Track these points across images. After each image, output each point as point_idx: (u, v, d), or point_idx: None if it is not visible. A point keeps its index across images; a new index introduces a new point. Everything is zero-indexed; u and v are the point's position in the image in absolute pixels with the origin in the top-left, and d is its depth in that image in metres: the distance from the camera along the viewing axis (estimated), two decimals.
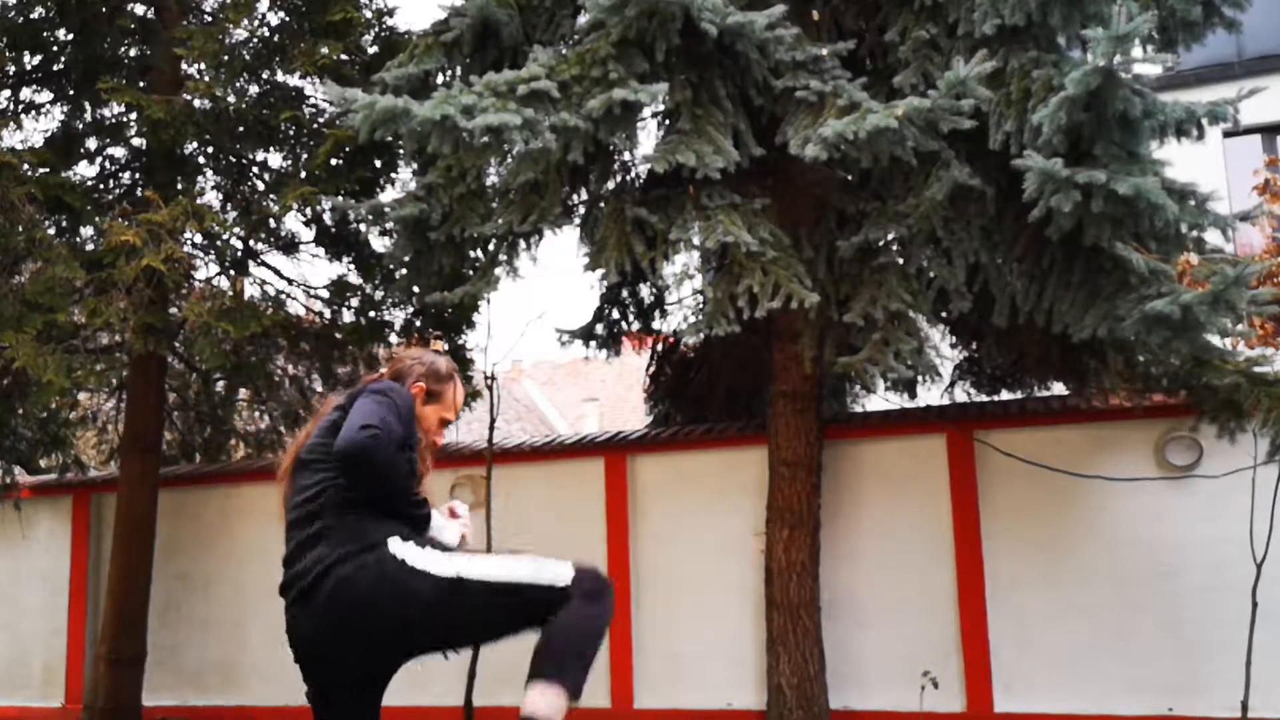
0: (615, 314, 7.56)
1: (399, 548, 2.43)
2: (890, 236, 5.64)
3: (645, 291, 7.54)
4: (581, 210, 6.57)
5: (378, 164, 7.54)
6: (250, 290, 8.29)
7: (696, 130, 5.37)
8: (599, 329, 7.52)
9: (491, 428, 7.16)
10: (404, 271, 6.59)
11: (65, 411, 8.93)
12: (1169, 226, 4.99)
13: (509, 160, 5.77)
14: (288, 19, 7.55)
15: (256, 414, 9.99)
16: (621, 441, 7.88)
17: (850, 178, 5.87)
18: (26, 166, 6.90)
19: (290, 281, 8.31)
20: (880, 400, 7.36)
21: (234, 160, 7.90)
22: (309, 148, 7.53)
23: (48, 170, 7.13)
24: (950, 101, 4.92)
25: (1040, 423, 6.88)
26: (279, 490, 2.69)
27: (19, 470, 8.88)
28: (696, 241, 5.55)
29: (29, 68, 7.75)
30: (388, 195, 7.65)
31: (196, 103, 7.04)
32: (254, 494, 8.47)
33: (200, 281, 7.71)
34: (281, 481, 2.68)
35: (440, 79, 5.94)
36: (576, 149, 5.19)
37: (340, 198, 6.85)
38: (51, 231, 7.20)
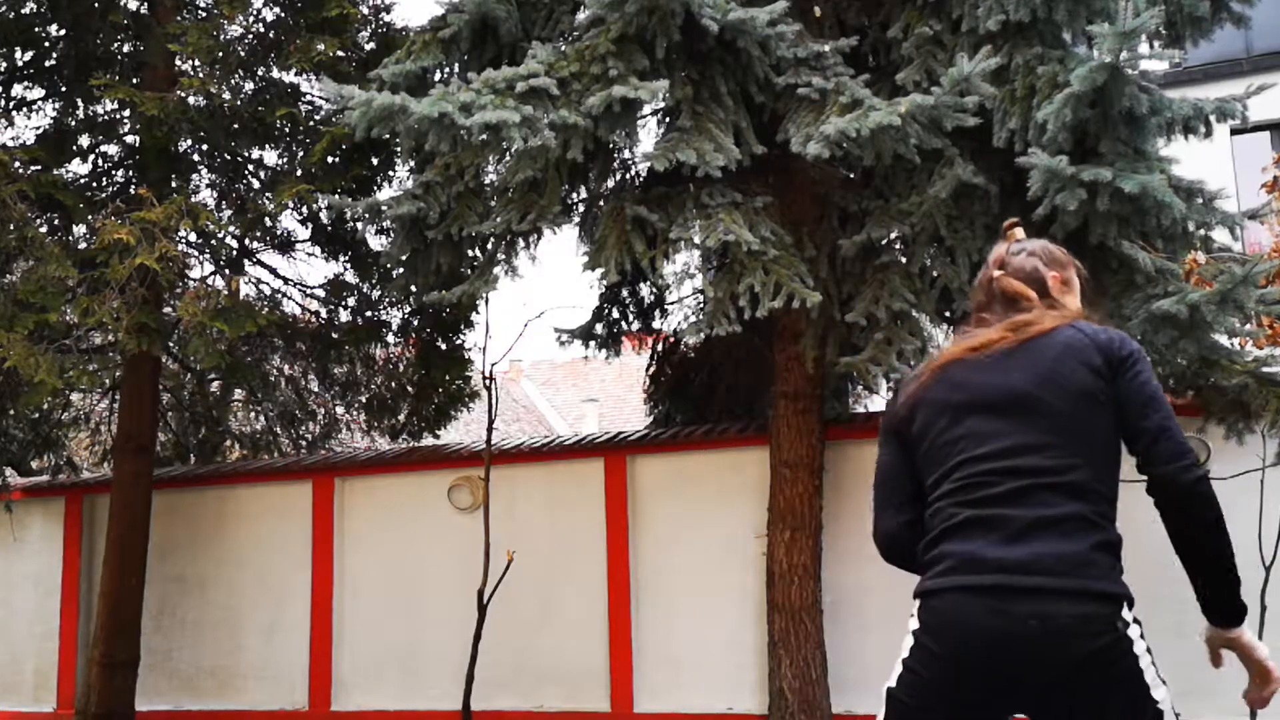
0: (615, 313, 7.51)
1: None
2: (893, 235, 5.60)
3: (645, 291, 7.49)
4: (581, 209, 6.52)
5: (374, 162, 7.48)
6: (245, 289, 8.23)
7: (697, 128, 5.32)
8: (599, 329, 7.47)
9: (490, 428, 7.10)
10: (401, 270, 6.54)
11: (58, 412, 8.88)
12: (1176, 225, 4.96)
13: (507, 158, 5.72)
14: (283, 14, 7.49)
15: (252, 414, 9.94)
16: (621, 442, 7.81)
17: (853, 176, 5.82)
18: (18, 164, 6.82)
19: (286, 280, 8.27)
20: (883, 401, 7.29)
21: (229, 158, 7.84)
22: (305, 145, 7.47)
23: (39, 168, 7.05)
24: (954, 98, 4.87)
25: None
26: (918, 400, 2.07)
27: (11, 472, 8.82)
28: (697, 240, 5.50)
29: (20, 64, 7.68)
30: (385, 193, 7.59)
31: (191, 99, 6.96)
32: (250, 495, 8.41)
33: (195, 280, 7.63)
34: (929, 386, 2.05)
35: (438, 76, 5.90)
36: (576, 147, 5.15)
37: (337, 196, 6.78)
38: (43, 230, 7.12)
